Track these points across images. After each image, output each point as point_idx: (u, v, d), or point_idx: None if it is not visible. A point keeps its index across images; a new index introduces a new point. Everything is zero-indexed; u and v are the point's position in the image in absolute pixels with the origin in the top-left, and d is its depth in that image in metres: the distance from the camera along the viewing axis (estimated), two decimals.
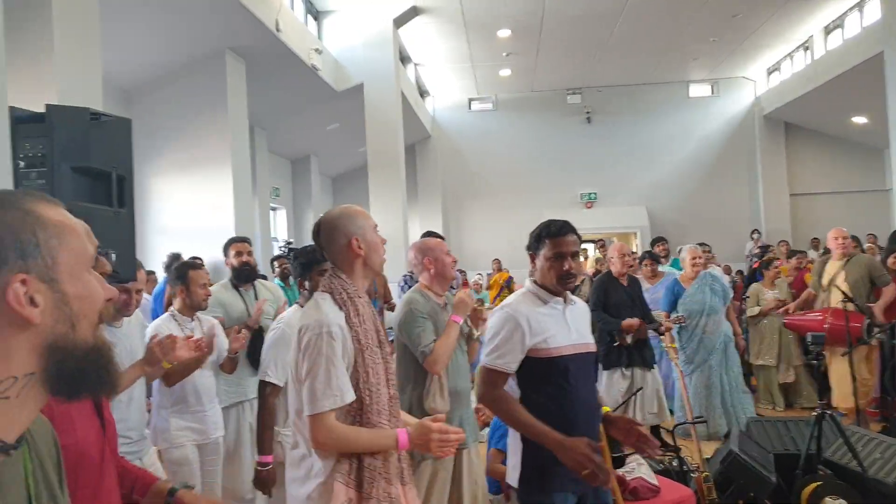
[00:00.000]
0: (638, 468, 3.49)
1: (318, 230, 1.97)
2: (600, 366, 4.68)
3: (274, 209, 13.55)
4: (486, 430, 3.95)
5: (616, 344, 4.72)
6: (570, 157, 16.51)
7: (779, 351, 6.34)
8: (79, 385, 0.80)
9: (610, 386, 4.71)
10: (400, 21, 11.20)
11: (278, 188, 13.64)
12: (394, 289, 8.61)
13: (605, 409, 2.46)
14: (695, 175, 16.39)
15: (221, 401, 3.60)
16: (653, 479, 3.45)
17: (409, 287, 6.16)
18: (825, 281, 5.53)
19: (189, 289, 3.26)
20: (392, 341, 5.35)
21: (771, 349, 6.36)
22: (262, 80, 9.01)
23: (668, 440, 4.49)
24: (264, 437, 2.82)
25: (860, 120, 14.21)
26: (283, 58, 8.96)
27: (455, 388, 2.90)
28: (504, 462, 3.49)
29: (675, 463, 3.95)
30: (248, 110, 8.70)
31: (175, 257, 6.60)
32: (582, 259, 9.12)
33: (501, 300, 9.48)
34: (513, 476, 2.38)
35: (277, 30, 8.31)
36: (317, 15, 11.12)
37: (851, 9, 12.32)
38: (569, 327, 2.37)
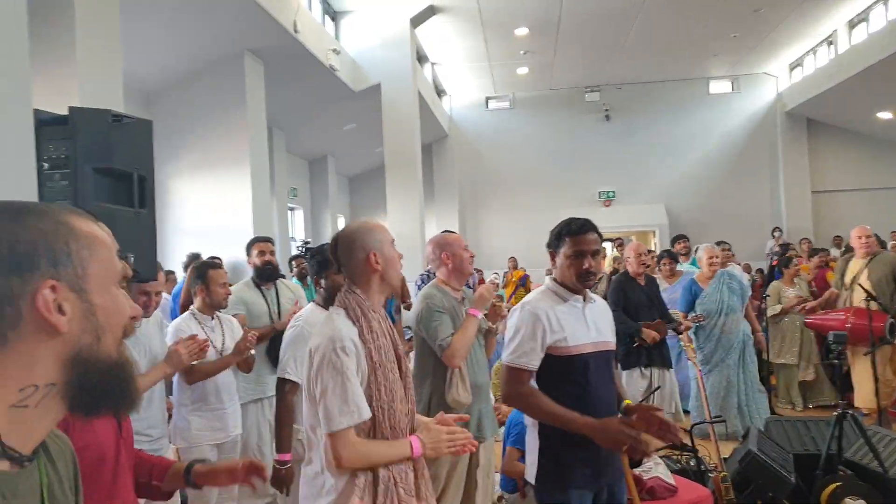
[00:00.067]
0: (655, 468, 3.47)
1: (335, 244, 1.95)
2: (619, 366, 4.67)
3: (292, 209, 13.65)
4: (502, 428, 3.95)
5: (636, 345, 4.71)
6: (588, 156, 16.42)
7: (800, 349, 6.27)
8: (99, 400, 0.80)
9: (629, 385, 4.69)
10: (417, 20, 11.22)
11: (296, 188, 13.73)
12: (411, 288, 8.63)
13: (627, 401, 2.46)
14: (715, 172, 16.21)
15: (241, 397, 3.65)
16: (670, 478, 3.43)
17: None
18: (848, 279, 5.45)
19: (209, 288, 3.31)
20: (410, 339, 5.37)
21: (792, 347, 6.28)
22: (280, 81, 9.07)
23: (686, 440, 4.46)
24: (283, 434, 2.82)
25: (885, 116, 13.95)
26: (300, 58, 9.02)
27: (475, 382, 2.91)
28: (521, 460, 3.50)
29: (692, 462, 3.92)
30: (266, 111, 8.77)
31: (194, 257, 6.69)
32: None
33: (517, 298, 9.50)
34: (530, 472, 2.41)
35: (295, 31, 8.37)
36: (334, 15, 11.17)
37: (876, 2, 12.11)
38: (588, 325, 2.37)
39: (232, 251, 7.35)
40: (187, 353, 2.72)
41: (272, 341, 3.75)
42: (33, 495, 0.79)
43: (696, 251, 6.32)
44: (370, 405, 1.79)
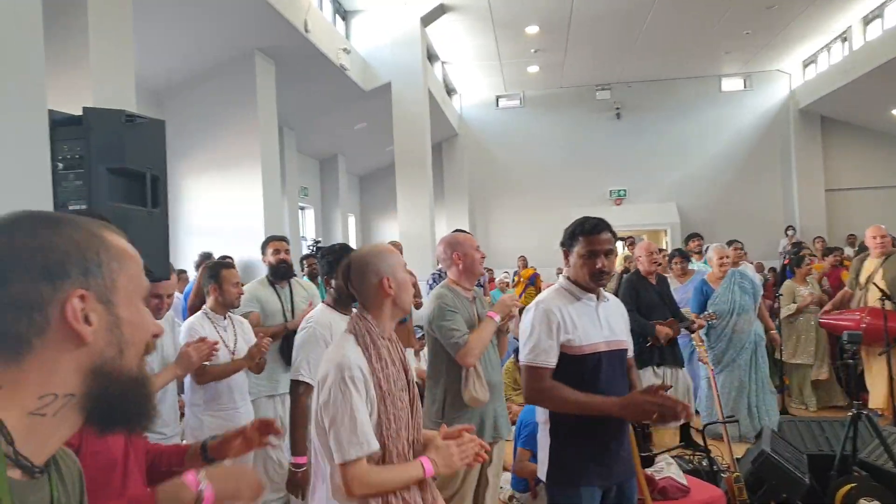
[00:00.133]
0: (667, 468, 3.46)
1: (347, 269, 1.94)
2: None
3: (302, 208, 13.70)
4: (512, 427, 3.95)
5: (648, 344, 4.69)
6: (598, 154, 16.36)
7: (816, 348, 6.21)
8: (116, 414, 0.80)
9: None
10: (427, 19, 11.22)
11: (306, 188, 13.77)
12: (423, 286, 8.63)
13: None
14: (727, 171, 16.10)
15: (254, 393, 3.68)
16: (682, 479, 3.42)
17: (437, 285, 6.19)
18: (863, 279, 5.41)
19: (222, 287, 3.32)
20: (421, 337, 5.35)
21: (808, 347, 6.22)
22: (290, 81, 9.10)
23: (698, 440, 4.43)
24: (297, 436, 2.80)
25: None
26: (311, 58, 9.05)
27: (489, 380, 2.91)
28: (532, 461, 3.49)
29: (704, 463, 3.90)
30: (276, 110, 8.80)
31: (206, 256, 6.73)
32: None
33: (527, 297, 9.47)
34: (542, 470, 2.42)
35: (306, 30, 8.39)
36: (345, 15, 11.19)
37: None
38: (601, 324, 2.37)
39: (243, 250, 7.38)
40: (197, 354, 2.73)
41: (285, 339, 3.78)
42: None
43: (705, 251, 6.28)
44: (380, 433, 1.79)
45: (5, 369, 0.74)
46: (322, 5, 9.95)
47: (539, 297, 2.49)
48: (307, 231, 13.90)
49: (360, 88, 10.77)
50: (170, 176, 3.02)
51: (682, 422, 2.23)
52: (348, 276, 1.94)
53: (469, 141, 16.91)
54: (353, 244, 15.21)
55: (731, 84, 16.35)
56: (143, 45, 5.82)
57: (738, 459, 3.82)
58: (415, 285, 8.17)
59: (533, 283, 10.63)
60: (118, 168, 2.62)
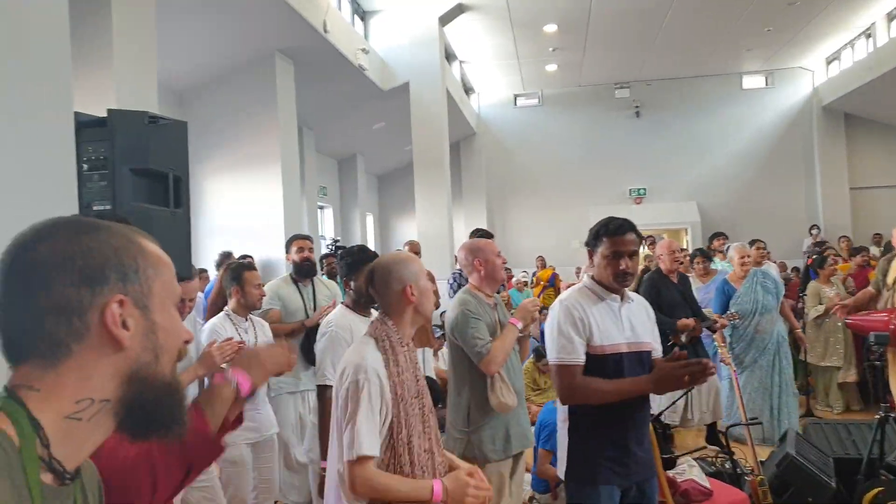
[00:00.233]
0: (689, 470, 3.42)
1: (371, 276, 1.99)
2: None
3: (321, 208, 13.77)
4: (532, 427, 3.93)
5: (670, 343, 4.64)
6: (618, 153, 16.23)
7: (845, 350, 6.10)
8: (150, 420, 0.80)
9: None
10: (445, 19, 11.22)
11: (325, 187, 13.84)
12: (442, 286, 8.64)
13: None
14: (748, 169, 15.89)
15: (276, 390, 3.71)
16: (705, 481, 3.38)
17: (458, 284, 6.17)
18: (890, 280, 5.30)
19: (244, 289, 3.35)
20: (439, 337, 5.34)
21: (837, 349, 6.11)
22: (309, 81, 9.15)
23: (722, 442, 4.38)
24: (327, 441, 2.83)
25: None
26: (330, 58, 9.09)
27: (513, 386, 2.90)
28: (552, 462, 3.47)
29: (727, 465, 3.85)
30: (296, 111, 8.85)
31: (226, 256, 6.79)
32: None
33: (546, 298, 9.42)
34: (562, 470, 2.42)
35: (325, 31, 8.43)
36: (363, 15, 11.23)
37: None
38: (623, 325, 2.37)
39: (263, 250, 7.43)
40: (220, 355, 2.75)
41: (306, 336, 3.81)
42: None
43: (727, 250, 6.20)
44: (393, 438, 1.82)
45: (44, 373, 0.75)
46: (341, 6, 9.99)
47: (562, 294, 2.50)
48: (326, 230, 13.98)
49: (378, 88, 10.80)
50: (191, 176, 3.05)
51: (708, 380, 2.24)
52: (372, 282, 1.98)
53: (487, 140, 16.87)
54: (371, 244, 15.29)
55: (752, 81, 16.14)
56: (163, 45, 5.88)
57: (761, 462, 3.77)
58: (435, 293, 8.20)
59: (552, 284, 10.56)
60: (142, 169, 2.65)
